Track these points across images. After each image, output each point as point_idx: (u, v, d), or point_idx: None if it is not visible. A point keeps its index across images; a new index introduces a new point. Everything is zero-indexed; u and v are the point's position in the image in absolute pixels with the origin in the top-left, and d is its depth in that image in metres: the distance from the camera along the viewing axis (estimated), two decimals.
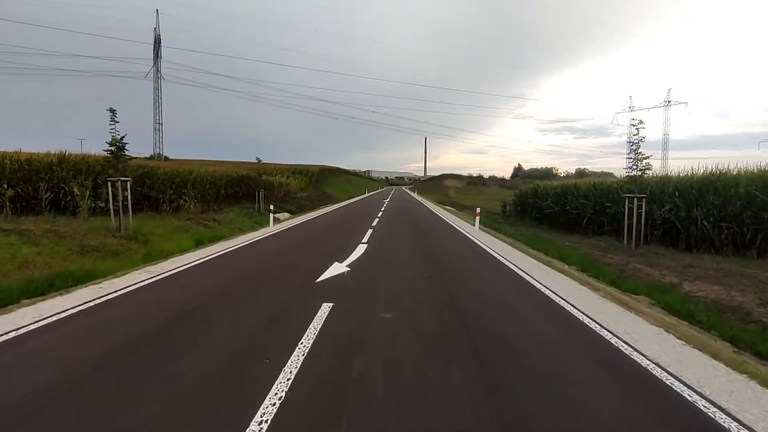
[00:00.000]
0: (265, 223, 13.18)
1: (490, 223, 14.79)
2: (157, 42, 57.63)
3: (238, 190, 19.74)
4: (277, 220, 14.45)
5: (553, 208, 14.45)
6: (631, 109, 75.07)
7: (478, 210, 14.67)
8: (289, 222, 14.83)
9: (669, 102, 67.47)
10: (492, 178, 77.18)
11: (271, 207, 14.45)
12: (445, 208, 25.36)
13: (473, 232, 11.98)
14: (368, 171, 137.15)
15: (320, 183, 44.58)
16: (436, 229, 12.88)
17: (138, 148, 58.93)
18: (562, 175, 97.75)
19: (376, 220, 14.86)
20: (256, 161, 45.79)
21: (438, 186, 62.49)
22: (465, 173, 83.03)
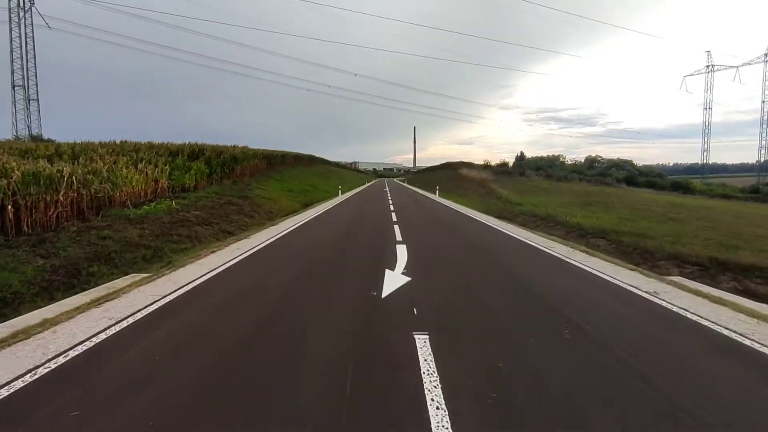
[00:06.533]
0: None
1: None
2: None
3: None
4: None
5: None
6: (710, 69, 56.57)
7: None
8: None
9: None
10: (518, 166, 57.61)
11: None
12: None
13: None
14: (355, 162, 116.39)
15: (269, 175, 24.37)
16: None
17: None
18: (569, 164, 79.59)
19: None
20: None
21: (455, 178, 41.78)
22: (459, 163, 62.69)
